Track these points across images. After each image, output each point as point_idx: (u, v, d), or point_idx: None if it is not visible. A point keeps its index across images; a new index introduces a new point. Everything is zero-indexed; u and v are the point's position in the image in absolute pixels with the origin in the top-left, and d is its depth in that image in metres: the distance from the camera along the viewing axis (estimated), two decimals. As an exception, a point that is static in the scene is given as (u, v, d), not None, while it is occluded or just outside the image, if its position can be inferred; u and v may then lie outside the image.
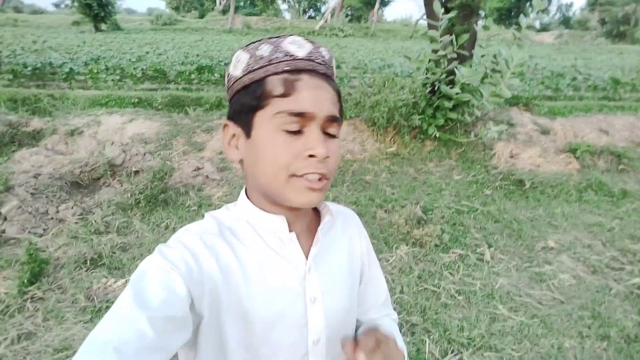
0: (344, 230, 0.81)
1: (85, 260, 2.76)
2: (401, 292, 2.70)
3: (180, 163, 4.31)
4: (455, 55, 4.71)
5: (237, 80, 0.66)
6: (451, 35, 4.62)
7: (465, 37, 4.64)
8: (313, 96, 0.62)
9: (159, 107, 5.89)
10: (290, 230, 0.71)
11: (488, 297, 2.73)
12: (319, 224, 0.75)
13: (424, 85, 5.09)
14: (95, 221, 3.22)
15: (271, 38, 0.65)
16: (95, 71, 7.94)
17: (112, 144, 4.63)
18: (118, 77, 7.65)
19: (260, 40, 0.66)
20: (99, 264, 2.79)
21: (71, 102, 6.03)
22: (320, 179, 0.64)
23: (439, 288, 2.77)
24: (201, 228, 0.69)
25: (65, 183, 3.81)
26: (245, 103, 0.65)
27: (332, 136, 0.66)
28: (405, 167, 4.73)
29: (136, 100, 6.12)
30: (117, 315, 0.54)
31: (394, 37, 27.56)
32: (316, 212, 0.78)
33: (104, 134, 4.91)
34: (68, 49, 11.95)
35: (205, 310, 0.63)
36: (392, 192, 4.09)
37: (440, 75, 4.84)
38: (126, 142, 4.70)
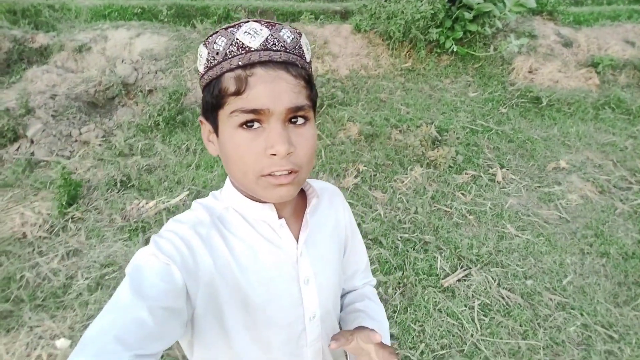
0: (330, 207, 0.83)
1: (115, 182, 2.91)
2: (415, 212, 2.86)
3: (193, 82, 4.26)
4: (479, -40, 4.36)
5: (201, 77, 0.65)
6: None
7: (492, -61, 4.25)
8: (268, 90, 0.59)
9: (165, 19, 5.65)
10: (279, 217, 0.71)
11: (497, 216, 2.88)
12: (305, 205, 0.77)
13: (444, -6, 4.78)
14: (118, 143, 3.31)
15: (229, 27, 0.62)
16: (92, -24, 7.45)
17: (122, 61, 4.55)
18: (117, -16, 7.20)
19: (218, 32, 0.62)
20: (129, 185, 2.94)
21: (73, 13, 5.78)
22: (290, 173, 0.62)
23: (451, 208, 2.92)
24: (193, 218, 0.69)
25: (83, 103, 3.84)
26: (208, 102, 0.64)
27: (301, 124, 0.64)
28: (421, 83, 4.65)
29: (139, 10, 5.84)
30: (117, 306, 0.55)
31: None
32: (302, 192, 0.79)
33: (112, 50, 4.80)
34: (58, -51, 11.08)
35: (199, 301, 0.64)
36: (407, 110, 4.08)
37: (463, -17, 4.53)
38: (136, 59, 4.61)
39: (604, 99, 4.50)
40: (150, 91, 4.16)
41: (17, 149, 3.18)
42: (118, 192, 2.87)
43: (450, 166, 3.29)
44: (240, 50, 0.60)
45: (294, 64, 0.62)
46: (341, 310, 0.93)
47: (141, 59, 4.59)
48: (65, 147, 3.29)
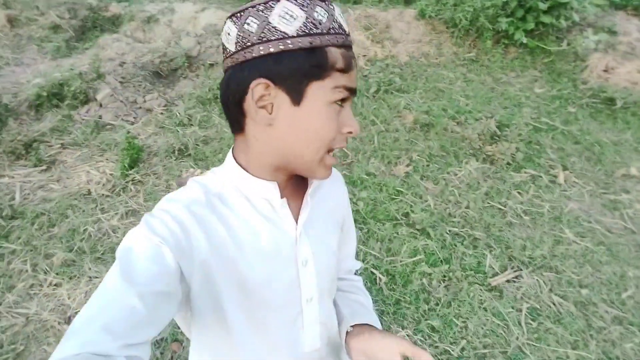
0: (330, 191, 0.82)
1: (174, 150, 3.03)
2: (467, 207, 2.77)
3: (253, 58, 4.32)
4: (562, -53, 4.08)
5: (288, 37, 0.58)
6: None
7: None
8: (356, 75, 0.65)
9: (230, -6, 5.74)
10: (282, 197, 0.70)
11: (555, 220, 2.74)
12: (305, 186, 0.75)
13: (519, -19, 4.52)
14: (179, 113, 3.43)
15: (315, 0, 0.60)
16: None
17: (187, 34, 4.68)
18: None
19: (313, 1, 0.60)
20: (186, 154, 3.04)
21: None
22: None
23: (505, 207, 2.80)
24: (187, 197, 0.66)
25: (148, 73, 4.00)
26: (301, 68, 0.59)
27: None
28: (483, 75, 4.46)
29: (206, -15, 5.98)
30: (106, 292, 0.53)
31: None
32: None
33: (178, 23, 4.94)
34: None
35: (195, 281, 0.63)
36: (467, 102, 3.93)
37: (540, -29, 4.26)
38: (200, 33, 4.73)
39: (688, 105, 4.12)
40: (211, 65, 4.26)
41: (87, 111, 3.37)
42: (176, 160, 2.99)
43: (508, 163, 3.15)
44: (341, 30, 0.62)
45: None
46: (337, 291, 0.93)
47: (205, 32, 4.70)
48: (130, 112, 3.45)
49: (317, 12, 0.59)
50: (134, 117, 3.43)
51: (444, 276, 2.27)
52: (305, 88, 0.60)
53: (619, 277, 2.35)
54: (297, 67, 0.59)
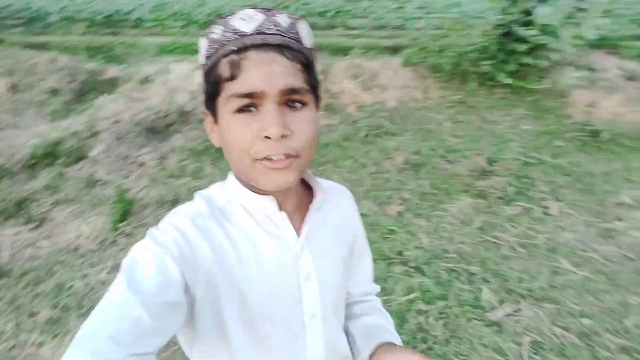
0: (337, 207, 0.81)
1: (165, 202, 3.05)
2: (461, 242, 2.74)
3: (245, 110, 4.46)
4: (534, -7, 4.33)
5: (202, 68, 0.65)
6: (531, -31, 4.22)
7: (547, -29, 4.22)
8: (262, 72, 0.58)
9: (223, 54, 6.02)
10: (281, 210, 0.70)
11: (551, 251, 2.69)
12: (310, 201, 0.74)
13: (497, 27, 4.76)
14: (171, 166, 3.49)
15: (225, 16, 0.62)
16: (161, 18, 8.17)
17: (181, 91, 4.86)
18: (184, 23, 7.83)
19: (215, 22, 0.63)
20: (178, 204, 3.05)
21: (141, 49, 6.32)
22: (287, 157, 0.61)
23: (500, 240, 2.77)
24: (192, 210, 0.67)
25: (142, 129, 4.11)
26: (207, 90, 0.64)
27: (300, 107, 0.62)
28: (471, 116, 4.57)
29: (201, 47, 6.29)
30: (111, 303, 0.53)
31: (464, -29, 25.37)
32: (309, 189, 0.77)
33: (173, 82, 5.15)
34: (134, -5, 12.27)
35: (199, 292, 0.63)
36: (456, 142, 4.00)
37: (516, 16, 4.48)
38: (194, 89, 4.91)
39: (673, 133, 4.19)
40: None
41: (80, 168, 3.43)
42: (167, 211, 2.98)
43: (500, 197, 3.15)
44: (234, 35, 0.60)
45: (289, 47, 0.61)
46: (350, 318, 0.90)
47: (199, 89, 4.88)
48: (123, 167, 3.51)
49: (213, 32, 0.62)
50: (127, 172, 3.48)
51: (441, 313, 2.20)
52: (215, 107, 0.63)
53: (621, 305, 2.27)
54: (206, 89, 0.64)
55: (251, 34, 0.59)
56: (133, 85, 5.14)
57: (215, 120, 0.65)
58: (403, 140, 4.01)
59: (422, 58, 4.98)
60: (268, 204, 0.69)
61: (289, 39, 0.62)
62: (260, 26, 0.60)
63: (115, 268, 2.48)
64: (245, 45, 0.59)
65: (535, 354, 1.98)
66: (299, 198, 0.75)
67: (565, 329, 2.12)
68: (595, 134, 4.15)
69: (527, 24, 4.47)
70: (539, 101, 4.77)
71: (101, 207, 3.02)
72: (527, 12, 4.41)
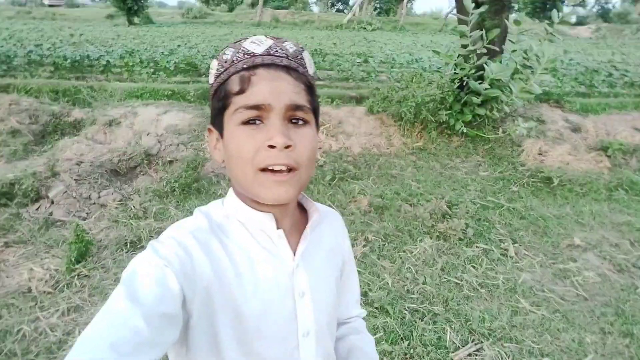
0: (330, 229, 0.84)
1: (126, 243, 2.95)
2: (424, 283, 2.78)
3: (212, 154, 4.47)
4: (485, 50, 4.70)
5: (211, 87, 0.70)
6: (481, 30, 4.61)
7: (496, 32, 4.62)
8: (270, 87, 0.63)
9: (192, 99, 6.09)
10: (278, 228, 0.72)
11: (510, 291, 2.78)
12: (306, 223, 0.77)
13: (452, 80, 5.10)
14: (134, 207, 3.42)
15: (237, 41, 0.68)
16: (130, 64, 8.22)
17: (147, 134, 4.84)
18: (152, 70, 7.91)
19: (228, 46, 0.69)
20: (139, 246, 2.97)
21: (109, 93, 6.29)
22: (289, 171, 0.64)
23: (461, 280, 2.83)
24: (193, 224, 0.69)
25: (105, 171, 4.03)
26: (216, 106, 0.68)
27: (302, 124, 0.67)
28: (432, 162, 4.77)
29: (170, 92, 6.34)
30: (111, 312, 0.54)
31: (423, 31, 27.17)
32: (304, 212, 0.81)
33: (140, 125, 5.13)
34: (103, 42, 12.37)
35: (196, 306, 0.63)
36: (418, 186, 4.14)
37: (469, 71, 4.83)
38: (161, 132, 4.91)
39: (616, 180, 4.51)
40: (170, 161, 4.36)
41: (37, 209, 3.30)
42: (127, 252, 2.90)
43: (460, 239, 3.25)
44: (245, 55, 0.65)
45: (295, 69, 0.67)
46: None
47: (165, 132, 4.88)
48: (83, 208, 3.40)
49: (225, 54, 0.68)
50: (87, 213, 3.38)
51: (405, 354, 2.19)
52: (222, 122, 0.68)
53: (578, 344, 2.34)
54: (214, 106, 0.69)
55: (261, 55, 0.65)
56: (98, 127, 5.07)
57: (221, 136, 0.69)
58: (367, 184, 4.11)
59: (385, 107, 5.22)
60: (266, 220, 0.71)
61: (295, 63, 0.68)
62: (269, 49, 0.66)
63: (70, 311, 2.36)
64: (255, 64, 0.65)
65: (497, 392, 1.99)
66: (296, 218, 0.77)
67: (525, 366, 2.15)
68: (546, 180, 4.41)
69: (480, 78, 4.82)
70: (494, 149, 5.05)
71: (57, 249, 2.89)
72: (480, 68, 4.76)
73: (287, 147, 0.63)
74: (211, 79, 0.70)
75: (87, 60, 8.60)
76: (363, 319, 1.00)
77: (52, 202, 3.37)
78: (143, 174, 4.24)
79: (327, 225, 0.84)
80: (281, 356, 0.72)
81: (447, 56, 5.11)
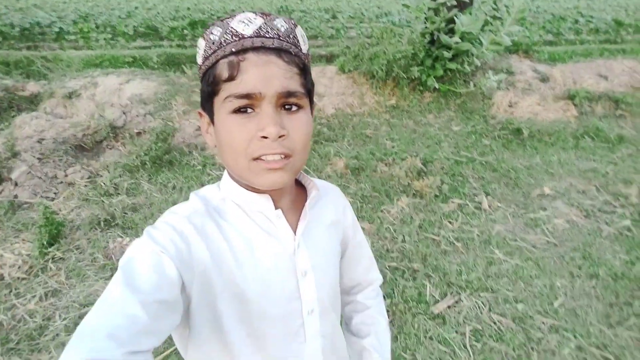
0: (330, 204, 0.83)
1: (99, 222, 2.87)
2: (403, 241, 2.84)
3: (181, 123, 4.33)
4: (454, 3, 4.62)
5: (199, 68, 0.67)
6: (450, -19, 4.51)
7: (465, -17, 4.52)
8: (260, 74, 0.60)
9: (155, 66, 5.82)
10: (276, 208, 0.71)
11: (485, 243, 2.87)
12: (305, 199, 0.76)
13: (423, 35, 5.02)
14: (104, 183, 3.31)
15: (224, 19, 0.64)
16: (85, 30, 7.73)
17: (111, 105, 4.63)
18: (110, 36, 7.48)
19: (214, 24, 0.64)
20: (113, 224, 2.90)
21: (65, 63, 5.94)
22: (284, 157, 0.63)
23: (438, 236, 2.90)
24: (189, 209, 0.68)
25: (70, 147, 3.86)
26: (205, 90, 0.65)
27: (295, 110, 0.65)
28: (405, 119, 4.76)
29: (130, 59, 6.03)
30: (109, 301, 0.54)
31: (391, -18, 26.46)
32: (302, 188, 0.79)
33: (101, 96, 4.89)
34: (54, 6, 11.56)
35: (195, 291, 0.63)
36: (392, 145, 4.15)
37: (440, 24, 4.76)
38: (125, 103, 4.70)
39: (582, 128, 4.63)
40: (138, 133, 4.20)
41: (0, 192, 3.15)
42: (102, 231, 2.83)
43: (436, 195, 3.31)
44: (234, 37, 0.61)
45: (287, 51, 0.63)
46: (349, 322, 0.96)
47: (130, 103, 4.67)
48: (49, 188, 3.27)
49: (212, 33, 0.63)
50: (54, 193, 3.25)
51: (388, 311, 2.26)
52: (212, 107, 0.65)
53: (549, 289, 2.47)
54: (203, 89, 0.66)
55: (250, 37, 0.61)
56: (57, 101, 4.81)
57: (212, 121, 0.67)
58: (342, 145, 4.09)
59: (356, 65, 5.12)
60: (264, 201, 0.70)
61: (287, 43, 0.64)
62: (259, 29, 0.62)
63: (47, 295, 2.31)
64: (244, 48, 0.61)
65: (476, 341, 2.10)
66: (293, 196, 0.76)
67: (501, 315, 2.26)
68: (517, 131, 4.49)
69: (450, 32, 4.76)
70: (466, 103, 5.07)
71: (26, 232, 2.79)
72: (450, 21, 4.69)
73: (281, 136, 0.61)
74: (199, 60, 0.66)
75: (37, 27, 8.04)
76: (381, 286, 1.01)
77: (16, 184, 3.22)
78: (110, 148, 4.08)
79: (327, 200, 0.83)
80: (286, 335, 0.73)
81: (417, 10, 4.99)
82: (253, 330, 0.69)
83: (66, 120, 4.34)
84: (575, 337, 2.12)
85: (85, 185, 3.33)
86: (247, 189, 0.70)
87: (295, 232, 0.73)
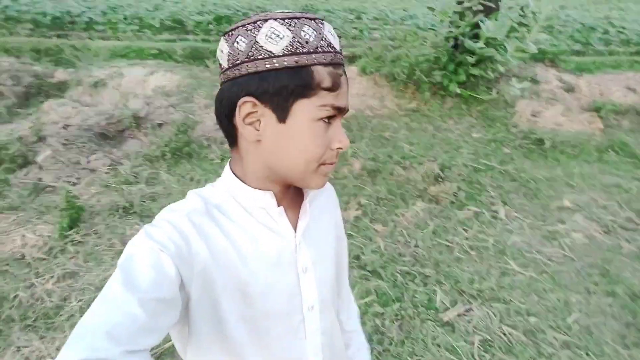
0: (327, 201, 0.85)
1: (118, 208, 2.94)
2: (416, 245, 2.83)
3: (202, 116, 4.39)
4: (480, 8, 4.56)
5: (274, 57, 0.61)
6: (478, -14, 4.45)
7: (493, -12, 4.47)
8: (346, 92, 0.67)
9: (179, 59, 5.90)
10: (279, 205, 0.72)
11: (500, 252, 2.83)
12: (302, 197, 0.76)
13: (447, 39, 4.97)
14: (124, 172, 3.38)
15: (308, 18, 0.62)
16: (113, 21, 7.89)
17: (135, 96, 4.72)
18: (137, 28, 7.61)
19: (297, 18, 0.62)
20: (131, 212, 2.96)
21: (92, 53, 6.07)
22: None
23: (452, 243, 2.88)
24: (187, 206, 0.67)
25: (94, 134, 3.95)
26: (287, 87, 0.61)
27: None
28: (424, 123, 4.73)
29: (156, 51, 6.13)
30: (107, 300, 0.54)
31: (418, -15, 26.23)
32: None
33: (126, 86, 4.99)
34: (85, -4, 11.79)
35: (195, 289, 0.63)
36: (411, 148, 4.13)
37: (465, 29, 4.71)
38: (149, 94, 4.78)
39: (607, 142, 4.53)
40: (160, 124, 4.27)
41: (26, 174, 3.24)
42: (120, 218, 2.89)
43: (452, 202, 3.28)
44: (329, 47, 0.63)
45: None
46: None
47: (153, 94, 4.76)
48: (72, 173, 3.35)
49: (304, 31, 0.61)
50: (76, 178, 3.33)
51: (397, 315, 2.25)
52: (290, 106, 0.63)
53: (563, 303, 2.42)
54: (283, 85, 0.61)
55: (339, 52, 0.66)
56: (83, 89, 4.93)
57: (282, 119, 0.64)
58: (360, 146, 4.08)
59: (378, 67, 5.11)
60: (267, 199, 0.70)
61: None
62: (340, 46, 0.67)
63: (64, 277, 2.38)
64: (339, 62, 0.65)
65: (485, 352, 2.08)
66: (292, 194, 0.77)
67: (512, 327, 2.23)
68: (539, 142, 4.41)
69: (475, 37, 4.70)
70: (488, 110, 5.01)
71: (48, 215, 2.87)
72: (475, 26, 4.64)
73: None
74: (276, 48, 0.60)
75: (68, 16, 8.22)
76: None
77: (40, 168, 3.32)
78: (132, 138, 4.16)
79: (324, 197, 0.84)
80: (287, 331, 0.73)
81: (442, 13, 4.95)
82: (256, 328, 0.69)
83: (91, 108, 4.44)
84: (588, 355, 2.08)
85: (107, 173, 3.41)
86: (251, 187, 0.70)
87: (295, 229, 0.74)
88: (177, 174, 3.47)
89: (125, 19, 8.32)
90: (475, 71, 4.84)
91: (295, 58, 0.60)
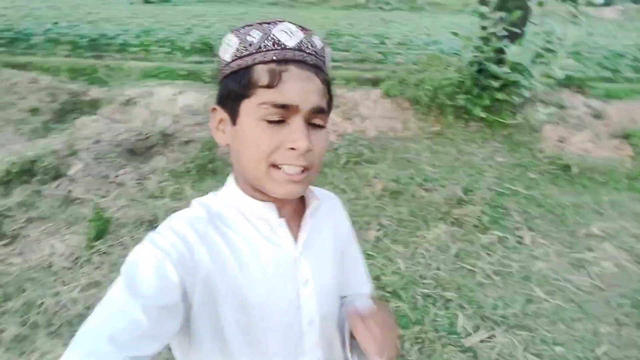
0: (329, 213, 0.84)
1: (143, 222, 3.00)
2: (437, 268, 2.78)
3: (227, 135, 4.48)
4: (505, 33, 4.57)
5: (226, 65, 0.65)
6: (503, 11, 4.48)
7: (518, 13, 4.49)
8: (299, 88, 0.62)
9: (207, 80, 6.08)
10: (280, 217, 0.71)
11: (525, 279, 2.76)
12: (304, 208, 0.76)
13: (471, 63, 4.99)
14: (150, 186, 3.46)
15: (263, 23, 0.64)
16: (146, 43, 8.23)
17: (164, 114, 4.87)
18: (168, 50, 7.91)
19: (251, 25, 0.65)
20: (155, 225, 3.00)
21: (125, 72, 6.32)
22: (302, 171, 0.65)
23: (475, 267, 2.82)
24: (191, 215, 0.68)
25: (123, 150, 4.08)
26: (232, 90, 0.64)
27: (318, 126, 0.67)
28: (448, 147, 4.70)
29: (185, 72, 6.34)
30: (110, 305, 0.54)
31: (442, 12, 26.46)
32: (302, 197, 0.79)
33: (156, 105, 5.16)
34: (120, 21, 12.35)
35: (196, 297, 0.63)
36: (433, 171, 4.11)
37: (489, 54, 4.72)
38: (177, 113, 4.93)
39: (638, 169, 4.40)
40: (186, 142, 4.38)
41: (57, 186, 3.36)
42: (145, 231, 2.95)
43: (475, 225, 3.23)
44: (275, 45, 0.62)
45: (321, 69, 0.67)
46: None
47: (181, 113, 4.90)
48: (101, 187, 3.46)
49: (250, 35, 0.63)
50: (105, 191, 3.43)
51: (417, 338, 2.21)
52: (238, 108, 0.65)
53: (592, 334, 2.33)
54: (230, 88, 0.65)
55: (292, 49, 0.63)
56: (115, 107, 5.12)
57: (233, 120, 0.66)
58: (382, 168, 4.09)
59: (401, 90, 5.14)
60: (268, 210, 0.70)
61: (320, 61, 0.67)
62: (300, 43, 0.64)
63: (89, 286, 2.43)
64: (286, 58, 0.62)
65: (509, 379, 2.00)
66: (294, 205, 0.77)
67: (538, 356, 2.16)
68: (565, 167, 4.32)
69: (500, 61, 4.70)
70: (512, 135, 4.96)
71: (77, 226, 2.95)
72: (500, 51, 4.65)
73: (308, 151, 0.63)
74: (227, 56, 0.65)
75: (104, 39, 8.62)
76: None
77: (72, 180, 3.43)
78: (159, 154, 4.28)
79: (326, 209, 0.83)
80: (286, 345, 0.73)
81: (466, 38, 4.98)
82: (254, 339, 0.69)
83: (122, 125, 4.60)
84: (618, 387, 1.99)
85: (134, 187, 3.50)
86: (251, 197, 0.70)
87: (296, 241, 0.73)
88: (202, 189, 3.53)
89: (157, 41, 8.66)
90: (499, 95, 4.82)
91: (239, 62, 0.63)
